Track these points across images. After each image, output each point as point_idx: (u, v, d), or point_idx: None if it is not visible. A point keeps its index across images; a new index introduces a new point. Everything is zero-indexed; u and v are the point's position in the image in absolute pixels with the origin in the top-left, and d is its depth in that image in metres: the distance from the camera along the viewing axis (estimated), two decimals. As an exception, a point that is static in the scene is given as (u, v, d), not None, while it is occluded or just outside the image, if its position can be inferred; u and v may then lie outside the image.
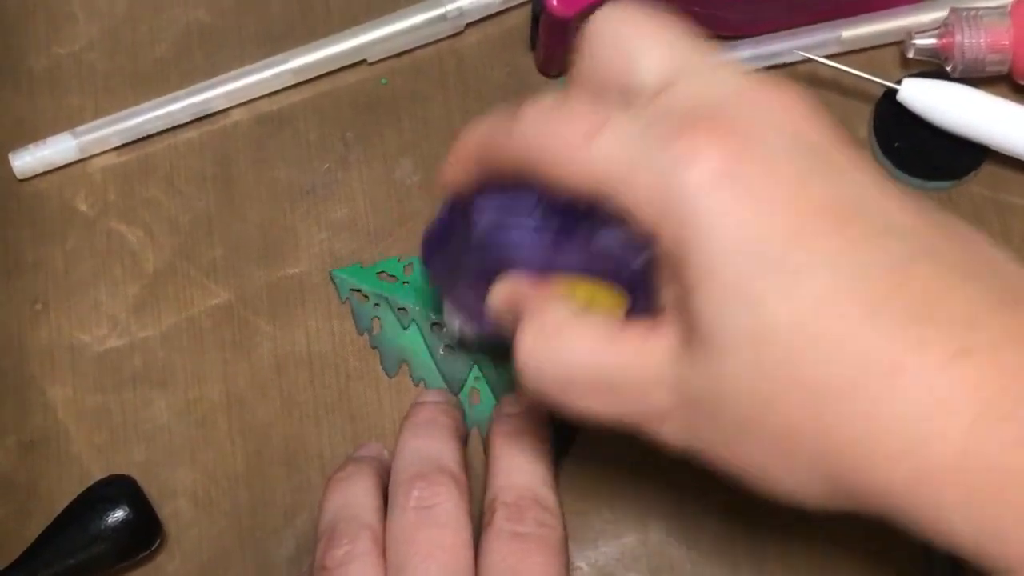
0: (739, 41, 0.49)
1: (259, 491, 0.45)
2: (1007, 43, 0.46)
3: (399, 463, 0.40)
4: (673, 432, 0.32)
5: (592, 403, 0.33)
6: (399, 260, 0.47)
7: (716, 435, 0.31)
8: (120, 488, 0.43)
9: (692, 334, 0.30)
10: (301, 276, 0.47)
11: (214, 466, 0.45)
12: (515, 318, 0.34)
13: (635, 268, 0.32)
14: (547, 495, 0.40)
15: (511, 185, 0.34)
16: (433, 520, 0.38)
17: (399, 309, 0.46)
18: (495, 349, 0.44)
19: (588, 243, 0.33)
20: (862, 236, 0.29)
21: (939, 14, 0.47)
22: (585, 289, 0.34)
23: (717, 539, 0.44)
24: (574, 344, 0.33)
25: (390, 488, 0.40)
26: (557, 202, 0.33)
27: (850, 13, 0.48)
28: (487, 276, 0.36)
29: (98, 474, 0.44)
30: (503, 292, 0.35)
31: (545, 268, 0.34)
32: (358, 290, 0.47)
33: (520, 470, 0.40)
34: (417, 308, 0.46)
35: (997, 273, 0.30)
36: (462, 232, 0.36)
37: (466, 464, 0.41)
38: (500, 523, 0.38)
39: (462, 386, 0.45)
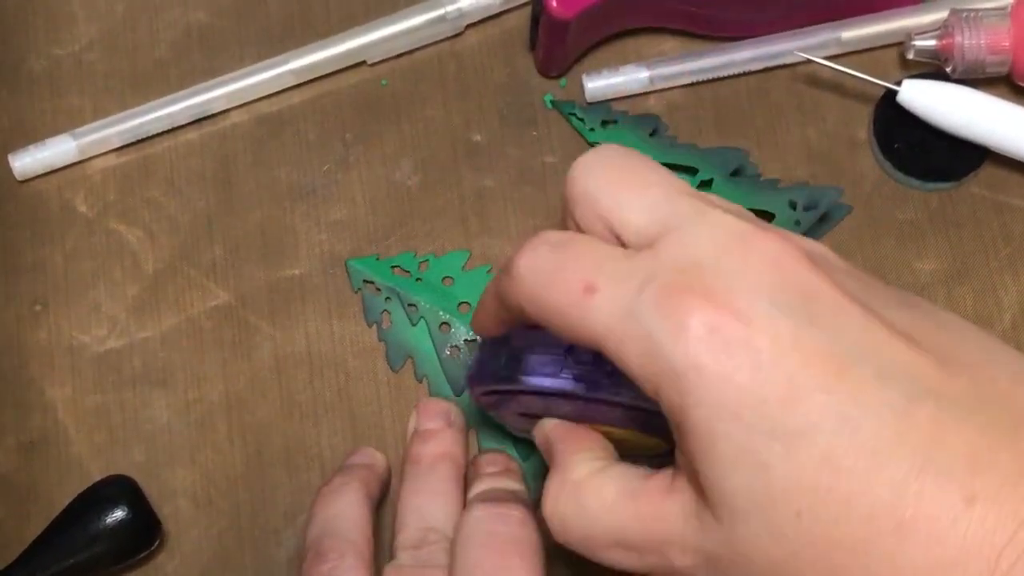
0: (739, 42, 0.49)
1: (259, 491, 0.45)
2: (1007, 44, 0.46)
3: (399, 523, 0.41)
4: None
5: (615, 557, 0.33)
6: (415, 256, 0.47)
7: None
8: (120, 488, 0.43)
9: (703, 496, 0.31)
10: (301, 277, 0.47)
11: (214, 466, 0.45)
12: (548, 461, 0.36)
13: (655, 421, 0.33)
14: (523, 493, 0.40)
15: (540, 337, 0.36)
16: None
17: (409, 305, 0.46)
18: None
19: (619, 389, 0.35)
20: (859, 386, 0.29)
21: (939, 15, 0.48)
22: (615, 436, 0.37)
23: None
24: (595, 502, 0.34)
25: (391, 547, 0.40)
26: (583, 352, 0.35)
27: (850, 14, 0.48)
28: (529, 411, 0.38)
29: (98, 474, 0.44)
30: (539, 436, 0.38)
31: (580, 415, 0.37)
32: (371, 282, 0.47)
33: (501, 479, 0.41)
34: (427, 306, 0.46)
35: (1003, 399, 0.30)
36: (502, 370, 0.37)
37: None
38: (478, 515, 0.38)
39: (464, 388, 0.45)
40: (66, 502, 0.43)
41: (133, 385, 0.46)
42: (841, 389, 0.29)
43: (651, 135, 0.48)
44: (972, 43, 0.46)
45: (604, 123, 0.48)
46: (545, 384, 0.36)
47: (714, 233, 0.31)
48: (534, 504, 0.41)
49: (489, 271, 0.47)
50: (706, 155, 0.47)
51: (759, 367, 0.29)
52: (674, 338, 0.30)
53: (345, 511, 0.40)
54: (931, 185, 0.47)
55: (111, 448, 0.45)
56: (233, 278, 0.47)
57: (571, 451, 0.36)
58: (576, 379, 0.36)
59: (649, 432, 0.36)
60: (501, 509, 0.39)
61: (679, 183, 0.33)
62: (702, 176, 0.46)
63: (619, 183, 0.33)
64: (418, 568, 0.39)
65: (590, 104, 0.48)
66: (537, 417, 0.38)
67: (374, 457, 0.44)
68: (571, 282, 0.32)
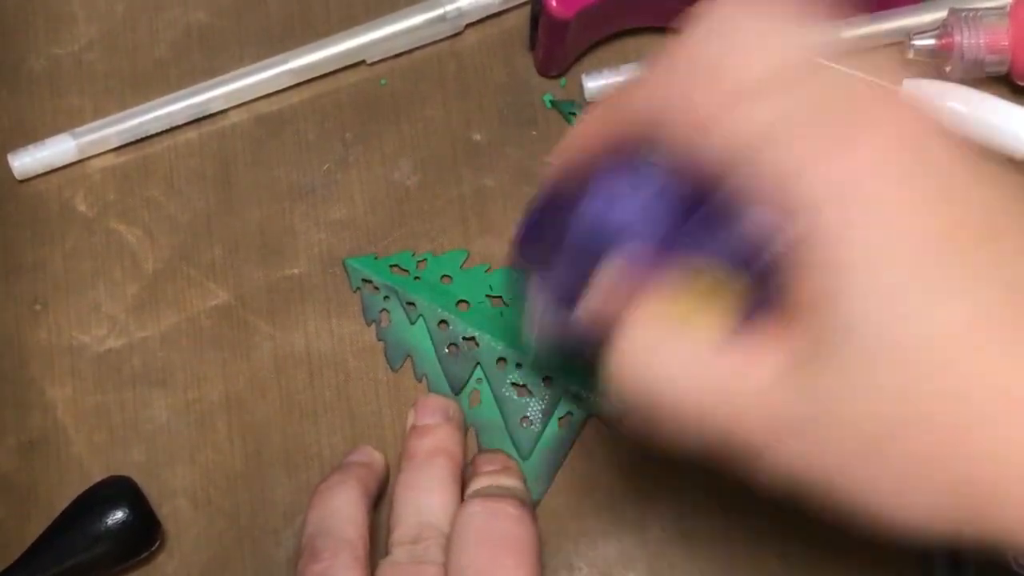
0: (738, 42, 0.48)
1: (258, 491, 0.45)
2: (1006, 44, 0.46)
3: (395, 518, 0.41)
4: (776, 462, 0.29)
5: (685, 426, 0.30)
6: (414, 255, 0.47)
7: (832, 460, 0.28)
8: (120, 489, 0.43)
9: (820, 344, 0.28)
10: (300, 276, 0.47)
11: (214, 466, 0.45)
12: (612, 319, 0.31)
13: (759, 263, 0.29)
14: (520, 489, 0.40)
15: (628, 163, 0.31)
16: (424, 573, 0.39)
17: (408, 304, 0.46)
18: (570, 356, 0.37)
19: (710, 228, 0.30)
20: (1007, 256, 0.27)
21: (938, 15, 0.47)
22: (699, 286, 0.31)
23: (716, 539, 0.44)
24: (672, 360, 0.30)
25: (386, 543, 0.40)
26: (679, 182, 0.30)
27: (850, 13, 0.48)
28: (593, 256, 0.32)
29: (98, 474, 0.44)
30: (607, 279, 0.32)
31: (662, 248, 0.31)
32: (370, 281, 0.47)
33: (499, 475, 0.41)
34: (426, 304, 0.46)
35: None
36: (569, 210, 0.32)
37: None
38: (474, 511, 0.38)
39: (463, 386, 0.45)
40: (66, 502, 0.43)
41: (133, 385, 0.46)
42: (989, 253, 0.27)
43: None
44: (971, 42, 0.46)
45: None
46: (644, 192, 0.31)
47: (861, 91, 0.29)
48: (532, 504, 0.42)
49: (487, 270, 0.47)
50: None
51: (927, 205, 0.27)
52: (840, 159, 0.27)
53: (341, 509, 0.40)
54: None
55: (111, 448, 0.45)
56: (232, 278, 0.47)
57: (648, 302, 0.31)
58: (669, 196, 0.30)
59: (735, 279, 0.30)
60: (497, 505, 0.39)
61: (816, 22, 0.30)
62: None
63: (759, 28, 0.30)
64: (413, 564, 0.39)
65: (590, 103, 0.48)
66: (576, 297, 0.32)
67: (372, 456, 0.44)
68: (724, 84, 0.29)
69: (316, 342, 0.46)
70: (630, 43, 0.50)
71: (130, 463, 0.45)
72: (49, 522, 0.42)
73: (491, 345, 0.45)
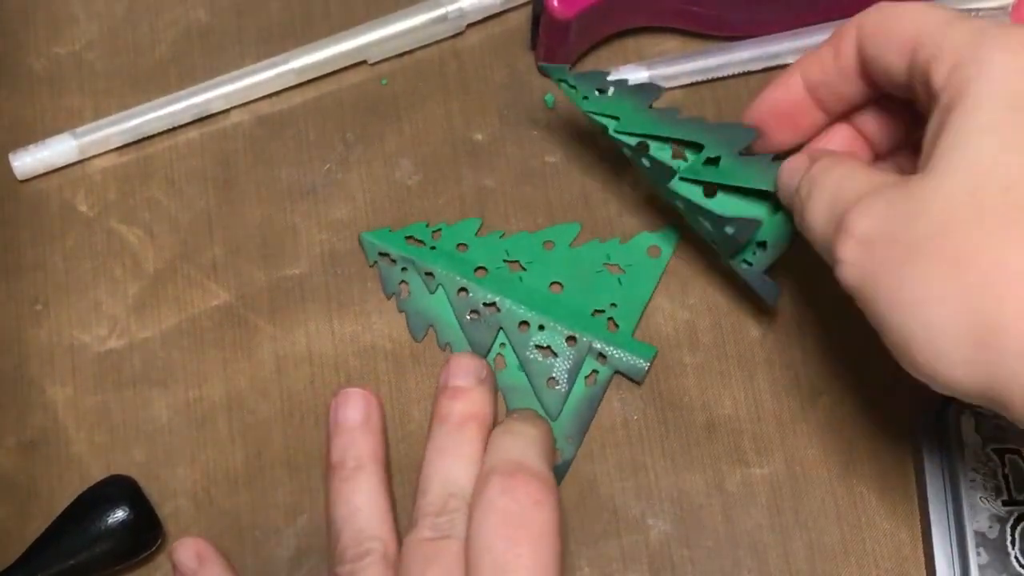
0: (739, 41, 0.49)
1: (259, 491, 0.45)
2: (1007, 44, 0.46)
3: (423, 484, 0.40)
4: (853, 256, 0.34)
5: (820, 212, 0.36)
6: (428, 225, 0.47)
7: (892, 260, 0.33)
8: (120, 488, 0.43)
9: (925, 164, 0.33)
10: (301, 276, 0.47)
11: (214, 466, 0.45)
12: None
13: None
14: (543, 470, 0.39)
15: None
16: (446, 550, 0.38)
17: (426, 274, 0.46)
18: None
19: None
20: None
21: None
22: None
23: (717, 539, 0.44)
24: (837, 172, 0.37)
25: (414, 509, 0.40)
26: None
27: (850, 13, 0.48)
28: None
29: (98, 474, 0.44)
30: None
31: None
32: (386, 254, 0.47)
33: (516, 447, 0.40)
34: (444, 273, 0.46)
35: None
36: None
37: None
38: (491, 496, 0.38)
39: (487, 351, 0.46)
40: (66, 502, 0.43)
41: (133, 385, 0.46)
42: None
43: (650, 105, 0.44)
44: (972, 43, 0.46)
45: (600, 91, 0.44)
46: None
47: None
48: (555, 473, 0.42)
49: (502, 236, 0.47)
50: (714, 131, 0.43)
51: None
52: (1002, 39, 0.33)
53: (364, 507, 0.41)
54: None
55: (111, 448, 0.45)
56: (233, 277, 0.47)
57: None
58: None
59: None
60: (517, 487, 0.38)
61: None
62: (708, 153, 0.43)
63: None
64: (436, 541, 0.38)
65: (584, 72, 0.45)
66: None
67: (368, 406, 0.43)
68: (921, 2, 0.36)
69: (317, 342, 0.46)
70: (630, 43, 0.50)
71: (131, 463, 0.45)
72: (49, 522, 0.42)
73: (512, 309, 0.46)
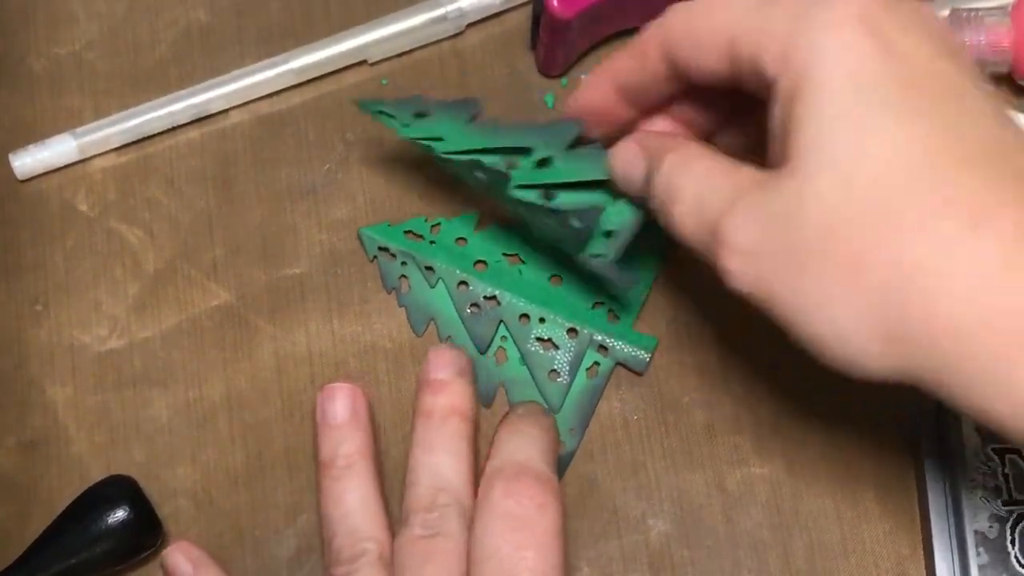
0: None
1: (259, 491, 0.45)
2: (1007, 44, 0.46)
3: (411, 480, 0.40)
4: (739, 267, 0.33)
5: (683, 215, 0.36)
6: (426, 220, 0.47)
7: (782, 267, 0.32)
8: (120, 488, 0.43)
9: (785, 160, 0.32)
10: (301, 276, 0.47)
11: (214, 466, 0.45)
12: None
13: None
14: (546, 472, 0.39)
15: None
16: (439, 548, 0.38)
17: (426, 268, 0.46)
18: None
19: None
20: (972, 110, 0.31)
21: (939, 15, 0.47)
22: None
23: (718, 539, 0.44)
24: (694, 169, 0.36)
25: (402, 506, 0.40)
26: None
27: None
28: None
29: (98, 474, 0.44)
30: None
31: None
32: (386, 248, 0.47)
33: (521, 449, 0.40)
34: (444, 267, 0.46)
35: None
36: None
37: (475, 463, 0.41)
38: (495, 498, 0.38)
39: (489, 344, 0.46)
40: (66, 502, 0.43)
41: (133, 385, 0.46)
42: (956, 103, 0.32)
43: (471, 120, 0.44)
44: (972, 42, 0.46)
45: (418, 115, 0.44)
46: None
47: None
48: (566, 457, 0.43)
49: (501, 228, 0.47)
50: (538, 132, 0.43)
51: (892, 54, 0.32)
52: (827, 10, 0.32)
53: (357, 508, 0.41)
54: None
55: (112, 448, 0.45)
56: (233, 277, 0.47)
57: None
58: None
59: None
60: (521, 490, 0.38)
61: None
62: (538, 155, 0.42)
63: None
64: (428, 538, 0.38)
65: (399, 99, 0.45)
66: None
67: (354, 401, 0.43)
68: None
69: (317, 342, 0.46)
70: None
71: (131, 463, 0.45)
72: (49, 522, 0.42)
73: (513, 302, 0.46)
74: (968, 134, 0.31)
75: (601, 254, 0.42)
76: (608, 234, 0.42)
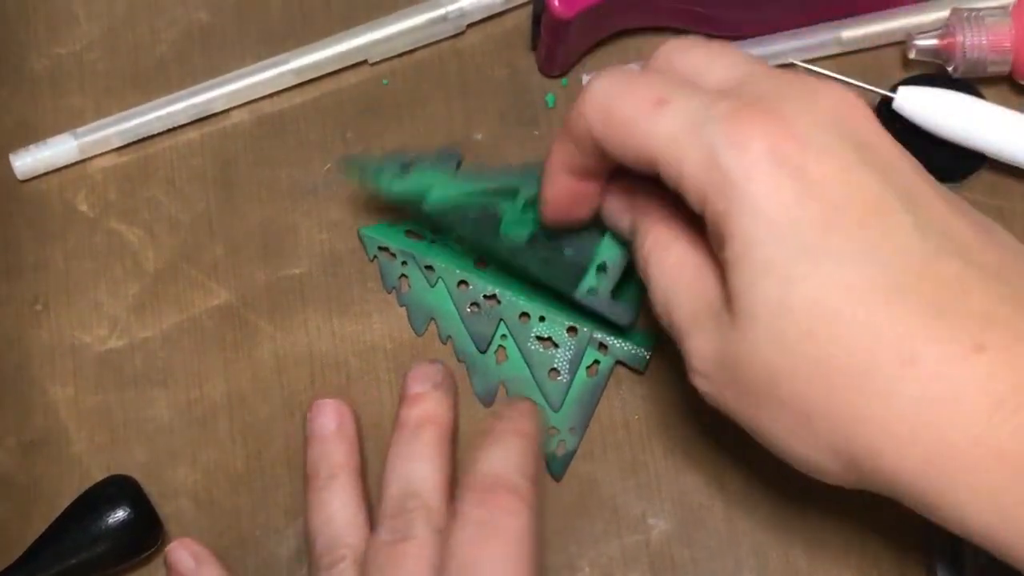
0: (739, 41, 0.48)
1: (260, 491, 0.45)
2: (1008, 44, 0.46)
3: (383, 488, 0.40)
4: (701, 384, 0.35)
5: (660, 311, 0.37)
6: None
7: (740, 399, 0.34)
8: (121, 488, 0.43)
9: (729, 298, 0.33)
10: (302, 276, 0.47)
11: (215, 466, 0.45)
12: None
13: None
14: (521, 484, 0.39)
15: None
16: (404, 552, 0.38)
17: (426, 267, 0.46)
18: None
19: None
20: (895, 228, 0.31)
21: (940, 14, 0.48)
22: None
23: (719, 539, 0.44)
24: (664, 268, 0.37)
25: (376, 510, 0.40)
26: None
27: (849, 12, 0.48)
28: None
29: (99, 474, 0.44)
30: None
31: None
32: (386, 248, 0.47)
33: (498, 459, 0.39)
34: (444, 266, 0.46)
35: None
36: None
37: (452, 472, 0.41)
38: (466, 509, 0.38)
39: (489, 343, 0.46)
40: (67, 502, 0.43)
41: (134, 384, 0.46)
42: (877, 227, 0.31)
43: (457, 168, 0.45)
44: (973, 42, 0.46)
45: (404, 167, 0.45)
46: None
47: (788, 80, 0.34)
48: (566, 457, 0.43)
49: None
50: (523, 173, 0.44)
51: (806, 190, 0.31)
52: (735, 151, 0.32)
53: (337, 514, 0.41)
54: (932, 185, 0.47)
55: (112, 448, 0.45)
56: (234, 277, 0.47)
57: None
58: None
59: None
60: (492, 500, 0.37)
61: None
62: (525, 195, 0.43)
63: (705, 54, 0.36)
64: (394, 543, 0.39)
65: (383, 155, 0.46)
66: None
67: (340, 416, 0.44)
68: (643, 95, 0.34)
69: (318, 342, 0.46)
70: (631, 43, 0.50)
71: (132, 463, 0.45)
72: (50, 522, 0.42)
73: (513, 301, 0.46)
74: (893, 262, 0.31)
75: (594, 287, 0.42)
76: (601, 267, 0.42)
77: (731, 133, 0.32)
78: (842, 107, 0.33)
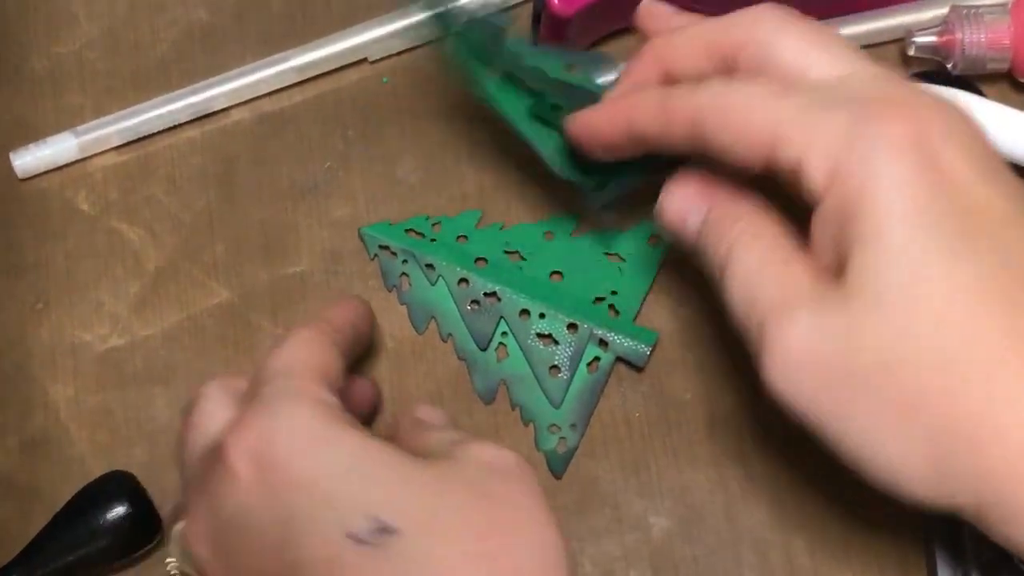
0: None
1: (261, 489, 0.45)
2: (1007, 41, 0.46)
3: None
4: (784, 377, 0.33)
5: (734, 305, 0.35)
6: (428, 218, 0.47)
7: (832, 393, 0.32)
8: (120, 484, 0.43)
9: (842, 280, 0.32)
10: (303, 275, 0.47)
11: (216, 464, 0.45)
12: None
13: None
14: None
15: None
16: None
17: (427, 266, 0.46)
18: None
19: None
20: (1020, 233, 0.31)
21: (939, 11, 0.48)
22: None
23: (720, 536, 0.44)
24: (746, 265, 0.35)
25: None
26: None
27: (850, 11, 0.48)
28: None
29: (99, 473, 0.44)
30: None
31: None
32: (386, 247, 0.47)
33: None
34: (444, 264, 0.46)
35: None
36: None
37: None
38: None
39: (489, 340, 0.46)
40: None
41: (135, 384, 0.46)
42: (1011, 237, 0.31)
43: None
44: (973, 39, 0.46)
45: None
46: None
47: (907, 86, 0.34)
48: (567, 454, 0.43)
49: (502, 227, 0.47)
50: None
51: (947, 189, 0.31)
52: (879, 136, 0.31)
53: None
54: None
55: (113, 447, 0.45)
56: (235, 276, 0.47)
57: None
58: None
59: None
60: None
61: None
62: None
63: (802, 41, 0.35)
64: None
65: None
66: None
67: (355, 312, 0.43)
68: (761, 87, 0.34)
69: (318, 340, 0.46)
70: (631, 41, 0.50)
71: (132, 462, 0.45)
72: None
73: (513, 299, 0.46)
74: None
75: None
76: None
77: (873, 118, 0.32)
78: (962, 121, 0.33)
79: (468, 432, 0.44)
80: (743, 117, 0.33)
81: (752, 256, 0.35)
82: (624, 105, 0.38)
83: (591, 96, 0.41)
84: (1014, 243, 0.31)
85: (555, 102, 0.42)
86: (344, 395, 0.38)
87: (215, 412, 0.37)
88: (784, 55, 0.35)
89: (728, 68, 0.36)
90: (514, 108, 0.43)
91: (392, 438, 0.39)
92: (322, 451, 0.33)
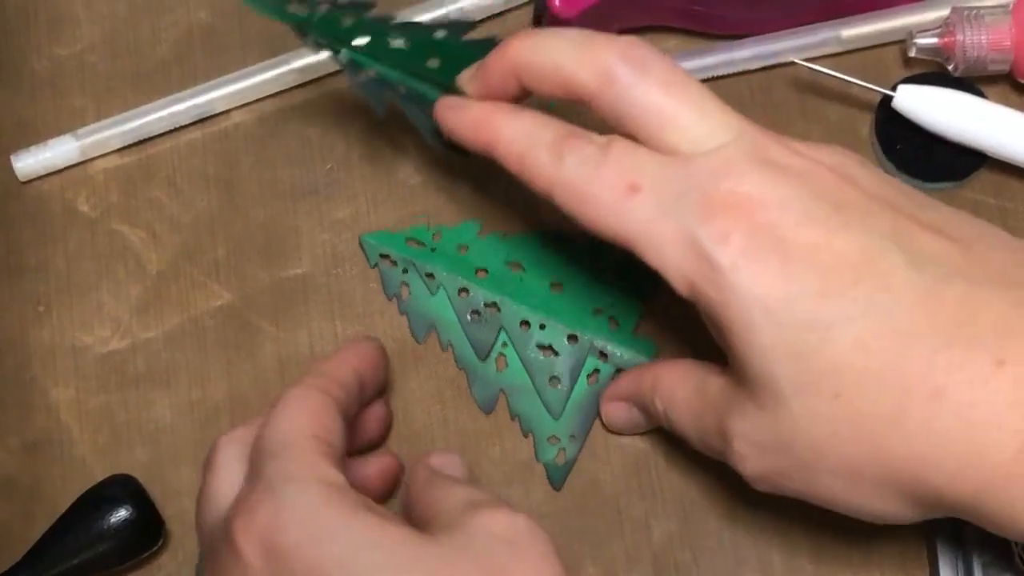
0: (740, 40, 0.49)
1: (263, 492, 0.45)
2: (1008, 43, 0.46)
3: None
4: (763, 484, 0.36)
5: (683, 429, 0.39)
6: (428, 227, 0.47)
7: (794, 478, 0.35)
8: (123, 487, 0.43)
9: (749, 390, 0.34)
10: (304, 277, 0.47)
11: (217, 467, 0.45)
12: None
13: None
14: None
15: None
16: None
17: (427, 275, 0.46)
18: None
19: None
20: (888, 273, 0.32)
21: (940, 13, 0.48)
22: None
23: (721, 539, 0.44)
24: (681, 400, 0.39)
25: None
26: None
27: (851, 12, 0.48)
28: None
29: (101, 475, 0.44)
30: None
31: None
32: (387, 256, 0.47)
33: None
34: (445, 274, 0.46)
35: None
36: None
37: None
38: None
39: (489, 351, 0.46)
40: (70, 503, 0.43)
41: (136, 385, 0.46)
42: (871, 278, 0.32)
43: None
44: (974, 41, 0.46)
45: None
46: None
47: (758, 141, 0.34)
48: (566, 466, 0.44)
49: (502, 237, 0.47)
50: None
51: (794, 263, 0.32)
52: (717, 242, 0.32)
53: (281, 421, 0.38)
54: (934, 185, 0.47)
55: (115, 448, 0.45)
56: (236, 278, 0.47)
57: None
58: None
59: None
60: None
61: (723, 104, 0.36)
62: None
63: (674, 94, 0.35)
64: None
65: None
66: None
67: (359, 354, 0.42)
68: (617, 177, 0.34)
69: (320, 342, 0.46)
70: (632, 43, 0.50)
71: (134, 463, 0.45)
72: (52, 523, 0.42)
73: (513, 309, 0.46)
74: (896, 306, 0.32)
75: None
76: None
77: (710, 224, 0.33)
78: (811, 177, 0.33)
79: (468, 435, 0.44)
80: (596, 213, 0.35)
81: (681, 410, 0.39)
82: (487, 130, 0.38)
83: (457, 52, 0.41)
84: (876, 284, 0.32)
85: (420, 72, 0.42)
86: (353, 426, 0.39)
87: (227, 479, 0.37)
88: (646, 119, 0.35)
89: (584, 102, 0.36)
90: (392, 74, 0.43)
91: (405, 492, 0.39)
92: (329, 539, 0.33)
